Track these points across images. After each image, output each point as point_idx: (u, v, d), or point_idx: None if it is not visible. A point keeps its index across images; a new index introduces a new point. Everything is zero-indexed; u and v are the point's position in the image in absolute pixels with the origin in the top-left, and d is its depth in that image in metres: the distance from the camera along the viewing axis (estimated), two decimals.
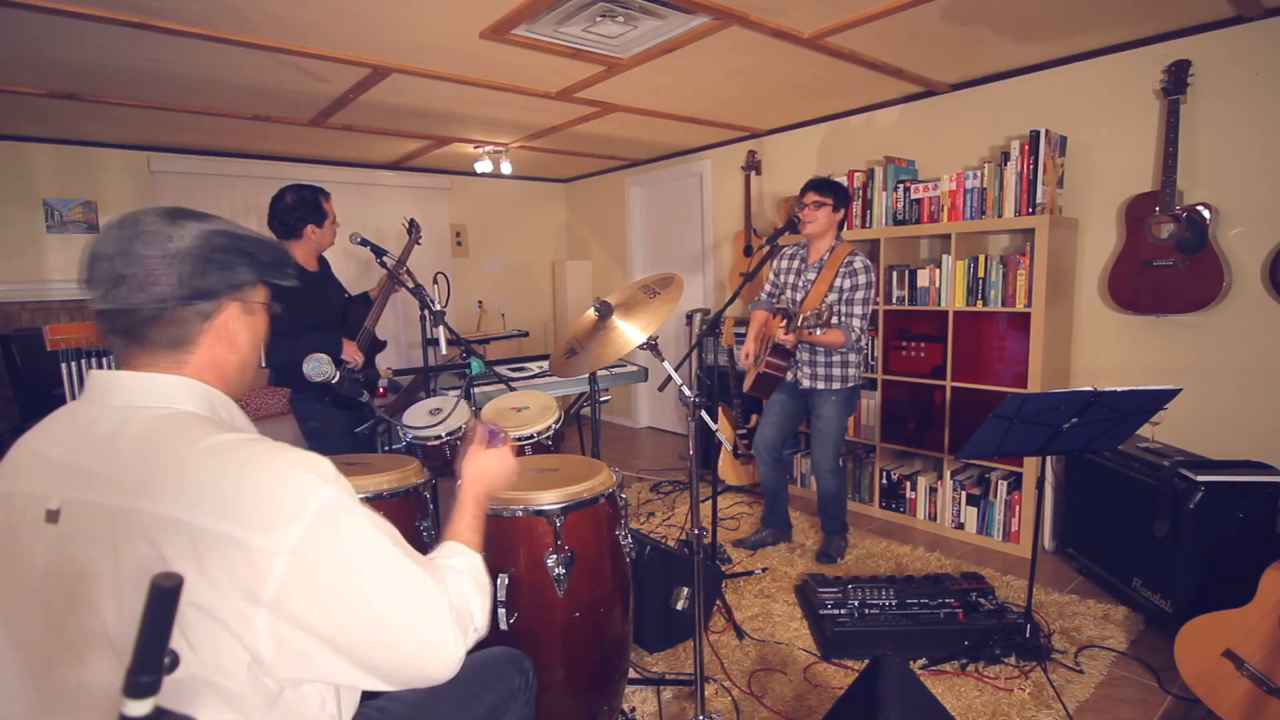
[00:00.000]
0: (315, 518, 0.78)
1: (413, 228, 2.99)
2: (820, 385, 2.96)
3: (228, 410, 0.93)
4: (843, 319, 2.86)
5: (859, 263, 2.86)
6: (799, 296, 3.00)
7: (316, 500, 0.79)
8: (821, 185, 2.90)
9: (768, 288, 3.18)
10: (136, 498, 0.77)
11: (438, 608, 0.86)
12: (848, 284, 2.86)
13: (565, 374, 1.78)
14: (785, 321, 2.81)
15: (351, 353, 2.69)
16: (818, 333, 2.59)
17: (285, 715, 0.81)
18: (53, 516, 0.80)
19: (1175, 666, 1.87)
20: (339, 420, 2.68)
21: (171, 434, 0.83)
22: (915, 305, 3.42)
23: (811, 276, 2.97)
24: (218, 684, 0.75)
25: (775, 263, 3.15)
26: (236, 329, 0.93)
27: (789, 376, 3.03)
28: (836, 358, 2.93)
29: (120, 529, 0.77)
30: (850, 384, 2.96)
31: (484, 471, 1.19)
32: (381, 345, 2.95)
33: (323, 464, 0.83)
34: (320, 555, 0.77)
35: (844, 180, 3.64)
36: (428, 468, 1.98)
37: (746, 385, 3.15)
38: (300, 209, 2.64)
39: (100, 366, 3.33)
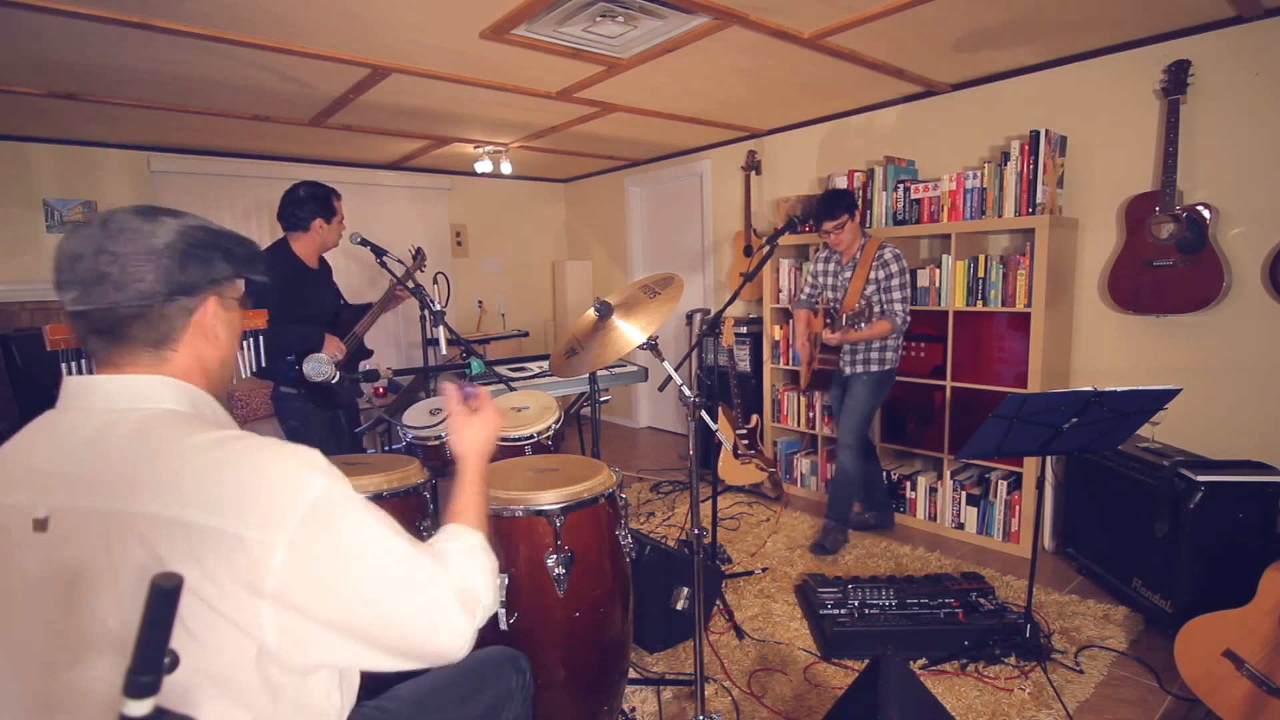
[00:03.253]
0: (311, 509, 0.77)
1: (418, 256, 3.01)
2: (859, 369, 3.12)
3: (211, 408, 0.93)
4: (885, 307, 3.02)
5: (889, 253, 3.02)
6: (839, 296, 3.15)
7: (311, 491, 0.78)
8: (830, 211, 3.02)
9: (807, 290, 3.36)
10: (127, 499, 0.77)
11: (442, 591, 0.86)
12: (882, 274, 3.01)
13: (565, 374, 1.78)
14: (829, 321, 2.98)
15: (333, 348, 2.68)
16: (862, 327, 2.75)
17: (291, 707, 0.81)
18: (41, 525, 0.79)
19: (1175, 666, 1.87)
20: (320, 419, 2.68)
21: (159, 433, 0.82)
22: (915, 305, 3.42)
23: (848, 275, 3.13)
24: (224, 676, 0.75)
25: (811, 265, 3.36)
26: (216, 324, 0.93)
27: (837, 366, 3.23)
28: (877, 343, 3.08)
29: (113, 532, 0.76)
30: (887, 366, 3.10)
31: (477, 441, 1.17)
32: (368, 354, 2.95)
33: (314, 455, 0.83)
34: (318, 546, 0.77)
35: (842, 182, 3.67)
36: (428, 468, 1.98)
37: (803, 383, 3.41)
38: (311, 203, 2.68)
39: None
